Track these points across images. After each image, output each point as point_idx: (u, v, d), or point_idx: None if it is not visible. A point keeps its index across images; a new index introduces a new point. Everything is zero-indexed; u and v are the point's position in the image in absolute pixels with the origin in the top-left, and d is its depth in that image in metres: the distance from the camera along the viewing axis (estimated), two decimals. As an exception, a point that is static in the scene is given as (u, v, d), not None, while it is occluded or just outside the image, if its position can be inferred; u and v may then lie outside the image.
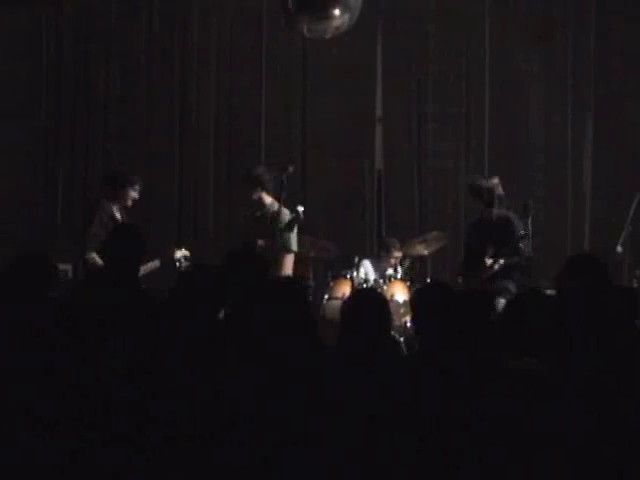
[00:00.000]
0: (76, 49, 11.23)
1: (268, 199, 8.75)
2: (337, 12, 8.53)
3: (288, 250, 8.62)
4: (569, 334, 4.41)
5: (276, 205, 8.66)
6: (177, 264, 8.43)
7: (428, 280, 9.59)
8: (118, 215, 8.43)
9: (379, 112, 11.36)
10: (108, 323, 4.84)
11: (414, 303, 4.84)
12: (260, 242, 8.50)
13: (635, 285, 9.59)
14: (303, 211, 8.53)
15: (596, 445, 4.20)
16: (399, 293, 9.46)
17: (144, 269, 8.18)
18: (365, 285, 9.44)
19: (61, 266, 8.78)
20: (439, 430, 4.29)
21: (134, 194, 8.53)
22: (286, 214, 8.61)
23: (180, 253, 8.48)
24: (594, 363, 4.37)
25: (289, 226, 8.51)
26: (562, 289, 4.87)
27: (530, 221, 8.77)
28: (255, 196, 8.75)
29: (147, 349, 4.65)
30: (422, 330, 4.66)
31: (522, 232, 8.64)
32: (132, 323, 4.83)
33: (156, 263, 8.39)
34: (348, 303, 4.87)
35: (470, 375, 4.41)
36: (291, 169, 8.62)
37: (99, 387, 4.58)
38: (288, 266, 8.61)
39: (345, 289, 9.39)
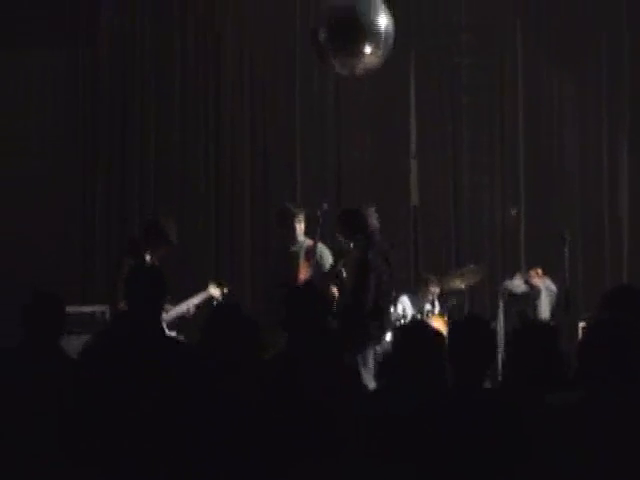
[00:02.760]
0: (112, 85, 11.27)
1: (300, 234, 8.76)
2: (368, 49, 8.55)
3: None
4: (599, 366, 4.37)
5: (308, 240, 8.68)
6: (216, 302, 8.39)
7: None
8: (148, 258, 8.37)
9: (413, 147, 11.36)
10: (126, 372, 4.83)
11: (450, 336, 4.82)
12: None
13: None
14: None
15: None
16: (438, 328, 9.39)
17: (191, 302, 8.20)
18: (403, 321, 9.40)
19: (97, 307, 8.86)
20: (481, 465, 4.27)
21: (167, 249, 8.39)
22: (324, 247, 8.63)
23: (219, 291, 8.44)
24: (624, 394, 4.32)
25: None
26: (594, 320, 4.82)
27: (567, 251, 8.72)
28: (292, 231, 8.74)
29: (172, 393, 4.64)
30: (457, 363, 4.63)
31: None
32: (155, 367, 4.80)
33: (202, 296, 8.33)
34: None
35: (511, 410, 4.39)
36: (325, 206, 8.61)
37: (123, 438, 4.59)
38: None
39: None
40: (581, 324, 8.62)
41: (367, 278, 7.66)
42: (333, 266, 8.22)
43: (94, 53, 11.21)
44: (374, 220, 7.96)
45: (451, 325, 5.05)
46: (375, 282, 7.68)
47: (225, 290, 8.45)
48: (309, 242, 8.70)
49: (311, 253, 8.57)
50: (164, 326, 7.93)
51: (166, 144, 11.31)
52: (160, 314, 5.52)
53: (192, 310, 8.28)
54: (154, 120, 11.28)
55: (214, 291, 8.38)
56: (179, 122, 11.34)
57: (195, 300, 8.25)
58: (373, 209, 8.09)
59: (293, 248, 8.75)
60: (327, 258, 8.56)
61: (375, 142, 11.29)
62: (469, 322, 5.03)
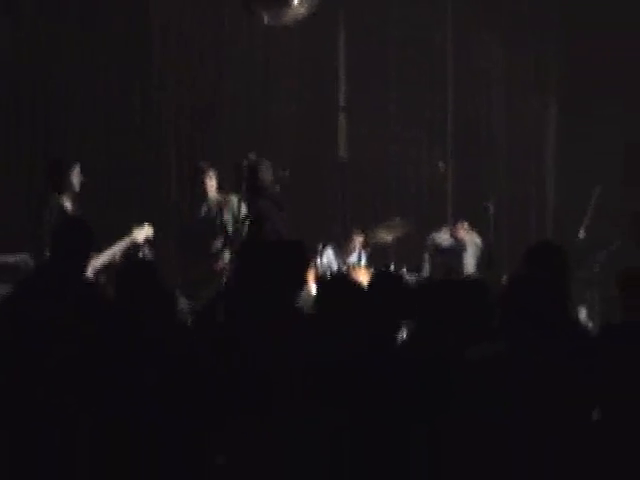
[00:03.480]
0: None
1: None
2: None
3: None
4: (515, 321, 4.44)
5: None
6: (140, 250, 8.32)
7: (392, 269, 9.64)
8: (68, 205, 8.30)
9: (342, 100, 11.35)
10: (50, 322, 4.78)
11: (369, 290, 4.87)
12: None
13: (596, 270, 9.67)
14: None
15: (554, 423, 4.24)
16: (362, 280, 9.43)
17: (116, 249, 8.13)
18: (329, 272, 9.43)
19: (19, 256, 8.73)
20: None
21: (75, 179, 8.34)
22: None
23: (143, 235, 8.32)
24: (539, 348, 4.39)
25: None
26: (514, 275, 4.87)
27: (491, 221, 8.82)
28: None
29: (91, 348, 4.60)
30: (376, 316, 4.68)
31: None
32: (75, 321, 4.76)
33: (126, 242, 8.25)
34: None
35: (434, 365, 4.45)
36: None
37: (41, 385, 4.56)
38: None
39: (309, 277, 9.35)
40: (504, 279, 8.71)
41: (262, 227, 7.68)
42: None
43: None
44: (266, 174, 7.96)
45: (370, 280, 5.09)
46: (271, 231, 7.72)
47: (150, 233, 8.35)
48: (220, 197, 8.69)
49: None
50: (90, 275, 7.91)
51: (90, 95, 11.13)
52: (86, 267, 5.50)
53: (118, 257, 8.21)
54: (78, 73, 11.09)
55: (138, 235, 8.27)
56: (104, 72, 11.16)
57: (120, 246, 8.16)
58: (268, 163, 8.17)
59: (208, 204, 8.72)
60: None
61: (304, 95, 11.25)
62: (385, 277, 5.09)
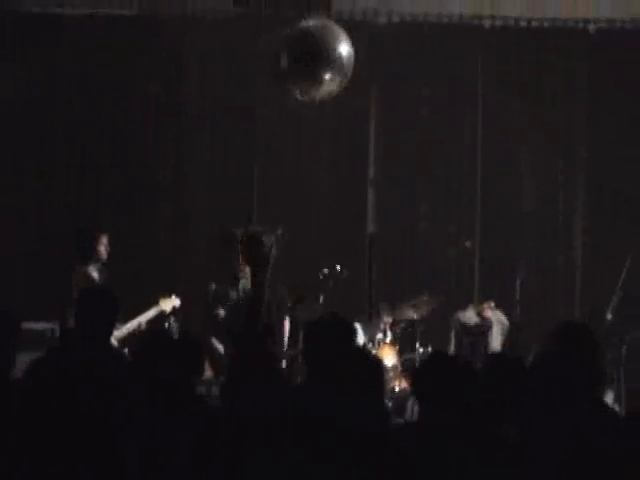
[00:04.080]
0: (69, 109, 11.19)
1: None
2: (328, 76, 8.58)
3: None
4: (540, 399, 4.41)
5: None
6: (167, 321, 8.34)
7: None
8: (95, 275, 8.35)
9: (371, 175, 11.40)
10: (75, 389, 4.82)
11: (417, 374, 4.87)
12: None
13: (624, 351, 9.59)
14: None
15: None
16: (388, 357, 9.42)
17: (142, 318, 8.17)
18: (354, 348, 9.39)
19: (47, 324, 8.78)
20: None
21: (102, 248, 8.42)
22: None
23: (170, 305, 8.35)
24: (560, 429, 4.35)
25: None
26: (540, 354, 4.84)
27: (519, 286, 8.78)
28: None
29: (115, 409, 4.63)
30: (423, 399, 4.66)
31: None
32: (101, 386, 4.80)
33: (152, 312, 8.29)
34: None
35: (465, 443, 4.42)
36: (280, 231, 8.57)
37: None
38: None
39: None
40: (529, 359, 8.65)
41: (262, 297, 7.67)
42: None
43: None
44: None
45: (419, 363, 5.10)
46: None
47: (176, 304, 8.39)
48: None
49: None
50: (115, 343, 7.94)
51: (123, 162, 11.24)
52: (109, 336, 5.54)
53: (143, 326, 8.25)
54: (112, 140, 11.22)
55: (165, 305, 8.33)
56: (138, 147, 11.28)
57: (146, 316, 8.22)
58: (278, 233, 8.09)
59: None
60: None
61: (334, 168, 11.31)
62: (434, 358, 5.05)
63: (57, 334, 8.79)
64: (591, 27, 11.47)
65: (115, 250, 9.05)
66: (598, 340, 5.20)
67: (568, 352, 4.78)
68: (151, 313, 8.27)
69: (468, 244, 10.93)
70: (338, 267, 8.36)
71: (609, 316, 9.72)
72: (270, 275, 8.42)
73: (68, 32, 11.10)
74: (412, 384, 5.11)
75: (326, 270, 8.38)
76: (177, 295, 8.51)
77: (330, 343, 4.99)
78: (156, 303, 8.33)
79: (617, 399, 9.86)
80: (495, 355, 6.35)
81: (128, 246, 10.37)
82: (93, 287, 7.67)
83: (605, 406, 4.97)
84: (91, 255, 8.38)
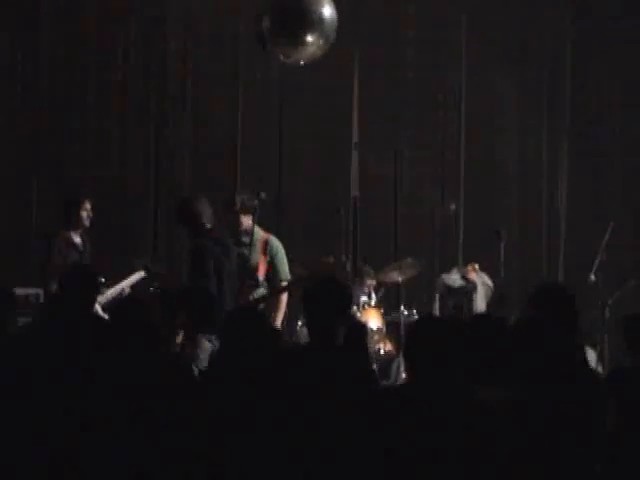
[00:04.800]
0: (52, 78, 11.12)
1: (251, 225, 8.61)
2: (311, 39, 8.55)
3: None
4: (526, 364, 4.42)
5: (262, 232, 8.61)
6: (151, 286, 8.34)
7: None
8: (78, 240, 8.34)
9: (355, 138, 11.38)
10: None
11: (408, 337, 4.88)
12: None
13: (607, 314, 9.64)
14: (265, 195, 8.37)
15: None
16: (373, 320, 9.46)
17: (126, 283, 8.18)
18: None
19: (30, 290, 8.77)
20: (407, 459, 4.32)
21: (84, 214, 8.40)
22: (279, 245, 8.58)
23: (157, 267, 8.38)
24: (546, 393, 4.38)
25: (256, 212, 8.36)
26: (521, 318, 4.86)
27: (502, 249, 8.81)
28: (244, 222, 8.62)
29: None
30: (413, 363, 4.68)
31: None
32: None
33: (137, 276, 8.31)
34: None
35: (447, 407, 4.44)
36: (263, 195, 8.55)
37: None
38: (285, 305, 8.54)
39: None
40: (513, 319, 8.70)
41: (203, 264, 7.63)
42: None
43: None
44: (206, 209, 7.93)
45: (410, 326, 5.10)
46: (215, 268, 7.67)
47: (157, 269, 8.38)
48: (264, 234, 8.62)
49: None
50: (98, 308, 7.96)
51: (106, 125, 11.19)
52: (92, 309, 5.63)
53: (127, 291, 8.26)
54: (94, 106, 11.16)
55: (154, 269, 8.33)
56: (119, 109, 11.23)
57: (129, 281, 8.22)
58: (204, 199, 8.10)
59: (247, 239, 8.59)
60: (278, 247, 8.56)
61: (317, 131, 11.28)
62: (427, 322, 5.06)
63: (41, 299, 8.78)
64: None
65: (100, 215, 9.04)
66: (576, 301, 5.23)
67: (547, 314, 4.80)
68: (134, 278, 8.26)
69: (452, 207, 10.93)
70: (262, 194, 8.31)
71: (592, 277, 9.75)
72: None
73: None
74: (403, 347, 5.11)
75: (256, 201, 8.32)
76: (161, 260, 8.51)
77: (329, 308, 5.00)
78: (145, 266, 8.32)
79: (600, 359, 9.93)
80: (479, 316, 6.35)
81: (112, 211, 10.35)
82: (74, 267, 7.60)
83: (587, 368, 5.01)
84: (74, 221, 8.36)
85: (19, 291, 8.93)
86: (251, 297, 8.25)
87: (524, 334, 4.58)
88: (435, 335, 4.61)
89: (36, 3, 10.96)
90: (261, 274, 8.43)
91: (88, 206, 8.41)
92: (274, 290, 8.33)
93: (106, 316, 7.66)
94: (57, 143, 11.09)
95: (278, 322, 8.31)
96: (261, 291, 8.36)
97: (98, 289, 5.77)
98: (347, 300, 5.11)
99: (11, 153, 10.92)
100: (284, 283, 8.42)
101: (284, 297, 8.41)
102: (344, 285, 5.36)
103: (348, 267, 8.51)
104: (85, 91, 11.13)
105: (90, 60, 11.12)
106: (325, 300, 4.92)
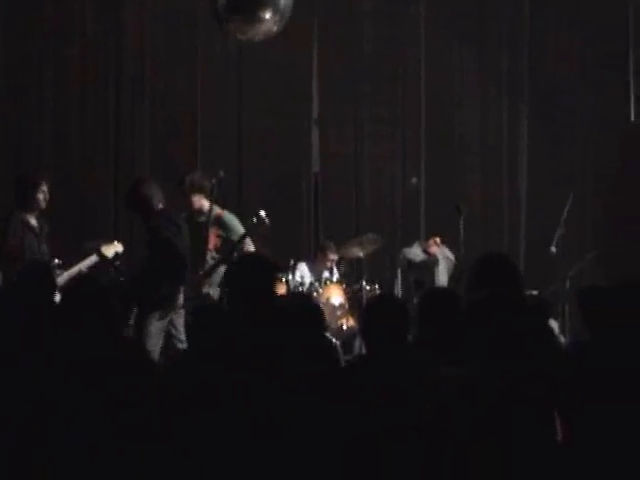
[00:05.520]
0: (7, 49, 11.00)
1: (207, 204, 8.60)
2: (267, 15, 8.50)
3: (250, 244, 8.51)
4: (483, 341, 4.42)
5: (217, 209, 8.58)
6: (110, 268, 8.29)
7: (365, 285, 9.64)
8: (34, 222, 8.24)
9: (315, 114, 11.35)
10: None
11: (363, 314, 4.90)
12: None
13: (568, 285, 9.70)
14: (266, 215, 8.36)
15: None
16: (335, 296, 9.46)
17: (82, 265, 8.11)
18: (301, 288, 9.42)
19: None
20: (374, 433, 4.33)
21: (41, 196, 8.29)
22: (231, 215, 8.57)
23: (111, 251, 8.30)
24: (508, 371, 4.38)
25: (251, 231, 8.38)
26: (473, 296, 4.84)
27: (462, 222, 8.84)
28: (195, 202, 8.60)
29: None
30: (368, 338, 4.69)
31: None
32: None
33: (93, 258, 8.25)
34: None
35: (403, 381, 4.45)
36: (222, 173, 8.53)
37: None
38: None
39: (281, 292, 9.34)
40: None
41: (164, 242, 7.64)
42: None
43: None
44: (155, 191, 7.88)
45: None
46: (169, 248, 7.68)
47: (119, 249, 8.31)
48: (218, 211, 8.60)
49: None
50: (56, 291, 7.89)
51: (64, 105, 11.07)
52: (49, 302, 5.58)
53: (85, 272, 8.18)
54: (52, 79, 11.02)
55: (107, 251, 8.25)
56: (78, 84, 11.11)
57: (87, 262, 8.15)
58: (151, 180, 8.11)
59: (202, 219, 8.60)
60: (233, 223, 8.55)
61: (277, 107, 11.23)
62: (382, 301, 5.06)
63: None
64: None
65: (58, 195, 8.95)
66: (518, 270, 5.24)
67: (491, 286, 4.80)
68: (92, 259, 8.18)
69: (414, 181, 10.93)
70: (262, 213, 8.30)
71: (553, 249, 9.79)
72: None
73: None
74: (359, 323, 5.13)
75: (253, 219, 8.32)
76: (119, 241, 8.44)
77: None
78: (97, 249, 8.23)
79: (562, 330, 9.99)
80: (430, 290, 6.35)
81: (69, 192, 10.26)
82: (31, 262, 7.53)
83: (549, 334, 5.03)
84: (30, 202, 8.24)
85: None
86: (200, 272, 8.24)
87: (478, 310, 4.58)
88: (389, 311, 4.63)
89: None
90: (211, 246, 8.42)
91: (45, 188, 8.28)
92: (219, 260, 8.30)
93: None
94: (15, 121, 10.98)
95: None
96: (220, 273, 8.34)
97: (54, 284, 5.70)
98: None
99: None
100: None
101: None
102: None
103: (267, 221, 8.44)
104: (41, 68, 11.01)
105: (46, 35, 10.98)
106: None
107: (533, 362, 4.50)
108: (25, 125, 10.95)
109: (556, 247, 9.77)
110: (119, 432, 4.54)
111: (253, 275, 5.20)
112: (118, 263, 8.39)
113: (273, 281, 5.39)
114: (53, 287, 5.69)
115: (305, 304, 4.98)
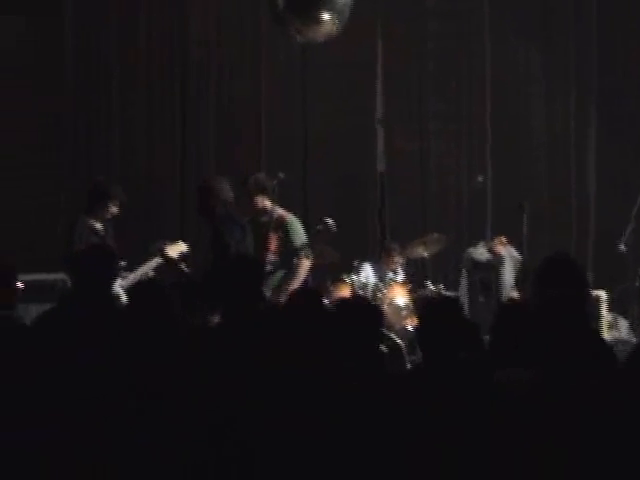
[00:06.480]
0: (77, 64, 11.15)
1: (269, 204, 8.59)
2: (326, 16, 8.50)
3: (308, 257, 8.49)
4: (549, 344, 4.38)
5: (279, 210, 8.58)
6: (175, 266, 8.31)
7: (430, 286, 9.60)
8: (99, 226, 8.31)
9: (380, 113, 11.32)
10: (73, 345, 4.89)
11: (421, 315, 4.85)
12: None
13: (637, 284, 9.55)
14: (333, 222, 8.32)
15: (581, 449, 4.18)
16: (399, 296, 9.42)
17: (147, 267, 8.17)
18: (365, 288, 9.40)
19: (58, 276, 8.81)
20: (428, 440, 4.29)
21: (114, 209, 8.35)
22: (294, 219, 8.55)
23: (176, 252, 8.32)
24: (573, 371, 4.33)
25: (315, 239, 8.35)
26: (539, 299, 4.78)
27: (525, 221, 8.75)
28: (259, 202, 8.60)
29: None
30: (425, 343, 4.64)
31: None
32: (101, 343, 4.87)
33: (157, 260, 8.29)
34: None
35: (462, 387, 4.41)
36: (282, 175, 8.54)
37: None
38: (304, 273, 8.49)
39: (345, 293, 9.33)
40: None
41: (226, 247, 7.64)
42: None
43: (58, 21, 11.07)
44: (224, 192, 7.88)
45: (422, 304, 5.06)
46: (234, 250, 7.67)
47: (184, 249, 8.32)
48: (282, 212, 8.60)
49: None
50: (121, 292, 7.96)
51: (131, 108, 11.21)
52: (108, 291, 5.61)
53: (150, 274, 8.23)
54: (119, 88, 11.17)
55: (172, 252, 8.27)
56: (144, 88, 11.24)
57: (151, 264, 8.19)
58: (222, 180, 8.05)
59: (264, 219, 8.60)
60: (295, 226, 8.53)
61: (341, 107, 11.22)
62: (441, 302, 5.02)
63: (68, 285, 8.80)
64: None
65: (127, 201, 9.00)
66: (583, 272, 5.17)
67: (556, 290, 4.75)
68: (156, 261, 8.22)
69: (480, 179, 10.86)
70: (329, 220, 8.27)
71: (622, 247, 9.65)
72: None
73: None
74: (417, 327, 5.09)
75: (319, 226, 8.31)
76: (184, 241, 8.46)
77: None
78: (161, 251, 8.27)
79: (632, 329, 9.86)
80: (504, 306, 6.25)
81: (136, 194, 10.33)
82: (92, 244, 7.62)
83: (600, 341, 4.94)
84: (99, 212, 8.32)
85: (46, 277, 9.07)
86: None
87: (540, 315, 4.54)
88: (449, 315, 4.59)
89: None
90: (271, 248, 8.40)
91: (117, 203, 8.35)
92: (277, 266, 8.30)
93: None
94: (84, 127, 11.14)
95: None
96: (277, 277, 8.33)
97: (116, 268, 5.68)
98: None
99: (35, 136, 10.95)
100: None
101: (304, 264, 8.34)
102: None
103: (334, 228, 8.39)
104: (108, 76, 11.15)
105: (112, 41, 11.11)
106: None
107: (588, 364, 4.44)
108: (94, 130, 11.13)
109: (626, 244, 9.63)
110: (180, 433, 4.55)
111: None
112: (184, 265, 8.41)
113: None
114: (114, 268, 5.72)
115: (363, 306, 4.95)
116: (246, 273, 5.31)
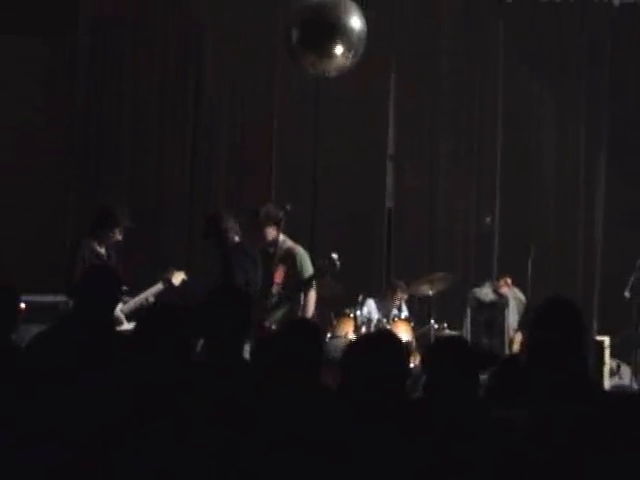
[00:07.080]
0: (90, 81, 11.20)
1: (279, 236, 8.58)
2: (339, 51, 8.53)
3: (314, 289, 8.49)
4: (537, 385, 4.34)
5: (289, 242, 8.58)
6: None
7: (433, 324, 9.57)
8: (102, 250, 8.32)
9: (391, 149, 11.33)
10: (73, 368, 4.87)
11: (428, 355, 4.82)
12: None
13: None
14: (338, 258, 8.32)
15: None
16: (403, 333, 9.37)
17: (149, 293, 8.18)
18: (368, 324, 9.38)
19: (60, 297, 8.79)
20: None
21: (118, 236, 8.35)
22: (303, 251, 8.54)
23: (178, 279, 8.35)
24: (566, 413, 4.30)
25: (319, 273, 8.37)
26: (534, 340, 4.77)
27: (530, 262, 8.73)
28: (269, 233, 8.58)
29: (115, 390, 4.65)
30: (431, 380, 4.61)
31: None
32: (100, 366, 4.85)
33: (159, 286, 8.31)
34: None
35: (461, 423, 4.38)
36: (289, 207, 8.54)
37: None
38: (313, 304, 8.48)
39: (348, 328, 9.32)
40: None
41: (233, 276, 7.67)
42: None
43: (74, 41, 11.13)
44: (232, 223, 7.98)
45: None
46: (243, 281, 7.69)
47: (183, 278, 8.36)
48: (291, 244, 8.59)
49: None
50: (122, 317, 7.97)
51: (143, 138, 11.25)
52: (110, 314, 5.58)
53: (151, 300, 8.25)
54: (131, 114, 11.21)
55: (174, 279, 8.30)
56: (157, 117, 11.28)
57: (153, 290, 8.21)
58: (228, 213, 8.20)
59: (271, 250, 8.59)
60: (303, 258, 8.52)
61: (353, 142, 11.23)
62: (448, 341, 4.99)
63: (70, 306, 8.79)
64: (615, 1, 11.31)
65: (133, 229, 9.00)
66: (581, 316, 5.14)
67: (554, 331, 4.72)
68: (158, 287, 8.25)
69: (488, 220, 10.85)
70: (334, 255, 8.27)
71: (627, 294, 9.63)
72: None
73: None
74: (423, 361, 5.04)
75: (324, 261, 8.31)
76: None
77: None
78: (164, 277, 8.30)
79: (634, 375, 9.81)
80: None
81: (145, 222, 10.35)
82: (97, 265, 7.63)
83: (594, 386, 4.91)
84: (103, 237, 8.33)
85: (49, 299, 9.05)
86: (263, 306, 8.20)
87: (536, 356, 4.51)
88: (454, 352, 4.56)
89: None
90: (278, 280, 8.39)
91: (122, 230, 8.36)
92: (283, 298, 8.31)
93: (130, 325, 7.71)
94: (94, 155, 11.18)
95: None
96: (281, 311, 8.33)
97: (120, 291, 5.64)
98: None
99: (46, 159, 10.98)
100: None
101: (312, 297, 8.35)
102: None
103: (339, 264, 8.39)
104: (120, 106, 11.19)
105: (126, 68, 11.16)
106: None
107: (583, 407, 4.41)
108: (104, 157, 11.15)
109: (630, 292, 9.60)
110: (187, 457, 4.52)
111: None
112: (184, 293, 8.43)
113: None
114: (118, 289, 5.58)
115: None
116: (231, 305, 5.25)
